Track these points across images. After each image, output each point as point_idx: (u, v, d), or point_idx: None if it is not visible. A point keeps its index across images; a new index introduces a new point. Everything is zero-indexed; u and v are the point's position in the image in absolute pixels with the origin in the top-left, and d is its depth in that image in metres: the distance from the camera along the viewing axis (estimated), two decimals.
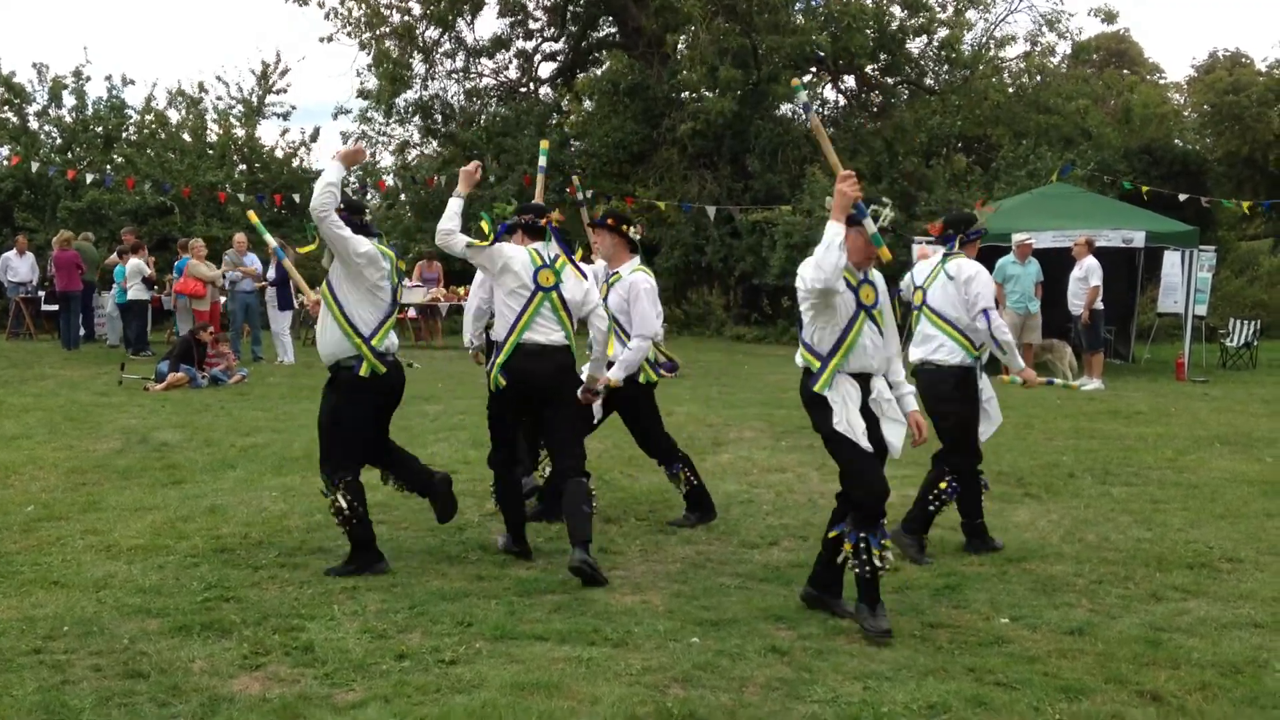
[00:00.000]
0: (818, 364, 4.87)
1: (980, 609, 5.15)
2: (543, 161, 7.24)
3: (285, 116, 26.88)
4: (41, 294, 19.44)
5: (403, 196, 26.46)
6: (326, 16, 27.05)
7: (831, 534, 5.02)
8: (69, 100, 24.89)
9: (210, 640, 4.61)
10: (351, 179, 27.48)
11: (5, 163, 22.93)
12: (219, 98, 26.70)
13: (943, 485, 6.16)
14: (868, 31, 24.32)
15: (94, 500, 7.08)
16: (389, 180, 26.88)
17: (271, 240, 7.76)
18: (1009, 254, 14.60)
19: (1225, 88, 30.28)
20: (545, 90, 28.58)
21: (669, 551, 6.12)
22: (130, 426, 9.89)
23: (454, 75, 27.88)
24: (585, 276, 6.03)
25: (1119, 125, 27.15)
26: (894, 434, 4.92)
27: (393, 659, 4.42)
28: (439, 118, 27.55)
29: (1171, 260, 16.80)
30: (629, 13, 25.74)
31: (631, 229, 6.73)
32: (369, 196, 27.22)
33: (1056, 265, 15.11)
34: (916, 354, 6.23)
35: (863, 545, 4.78)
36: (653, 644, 4.63)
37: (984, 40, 26.59)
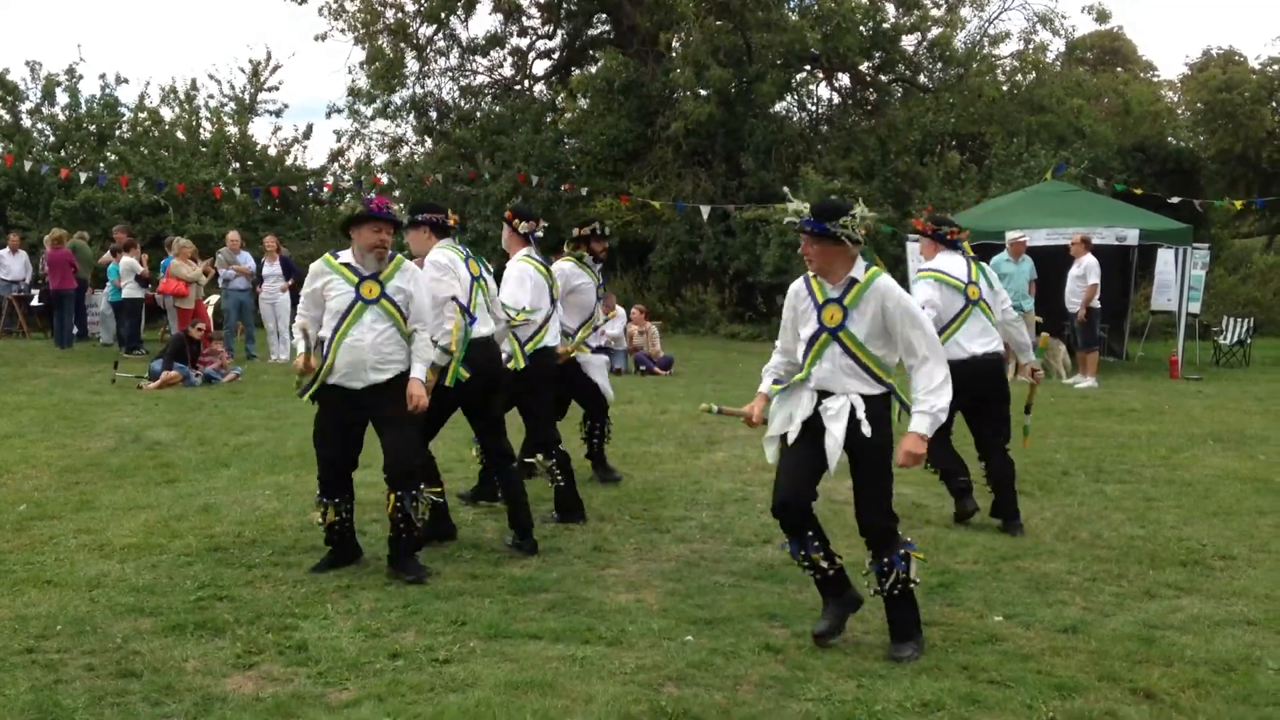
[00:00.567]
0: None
1: (974, 607, 5.15)
2: None
3: (278, 114, 26.88)
4: (35, 292, 19.39)
5: (396, 194, 26.43)
6: (320, 13, 27.08)
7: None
8: (62, 98, 24.84)
9: (203, 639, 4.60)
10: (346, 177, 27.47)
11: None
12: (210, 95, 26.69)
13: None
14: (861, 29, 24.34)
15: (87, 499, 7.06)
16: (383, 178, 26.85)
17: None
18: (1003, 252, 14.61)
19: (1219, 85, 30.33)
20: (540, 88, 28.58)
21: (663, 550, 6.12)
22: (123, 425, 9.87)
23: (448, 73, 27.87)
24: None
25: (1118, 120, 27.18)
26: (833, 449, 4.58)
27: (386, 658, 4.41)
28: (434, 115, 27.53)
29: (1165, 258, 16.84)
30: (623, 10, 25.74)
31: (522, 224, 6.99)
32: (364, 193, 27.20)
33: (1050, 263, 15.13)
34: (981, 345, 6.58)
35: (885, 568, 4.62)
36: (647, 642, 4.63)
37: (978, 38, 26.62)
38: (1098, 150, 23.68)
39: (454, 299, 5.94)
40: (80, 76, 24.85)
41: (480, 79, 28.48)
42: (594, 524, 6.67)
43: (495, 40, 27.80)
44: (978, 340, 6.57)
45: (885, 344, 4.59)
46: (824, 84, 27.24)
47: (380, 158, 28.28)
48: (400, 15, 26.84)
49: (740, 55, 23.64)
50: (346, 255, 5.57)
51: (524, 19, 27.78)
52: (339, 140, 28.00)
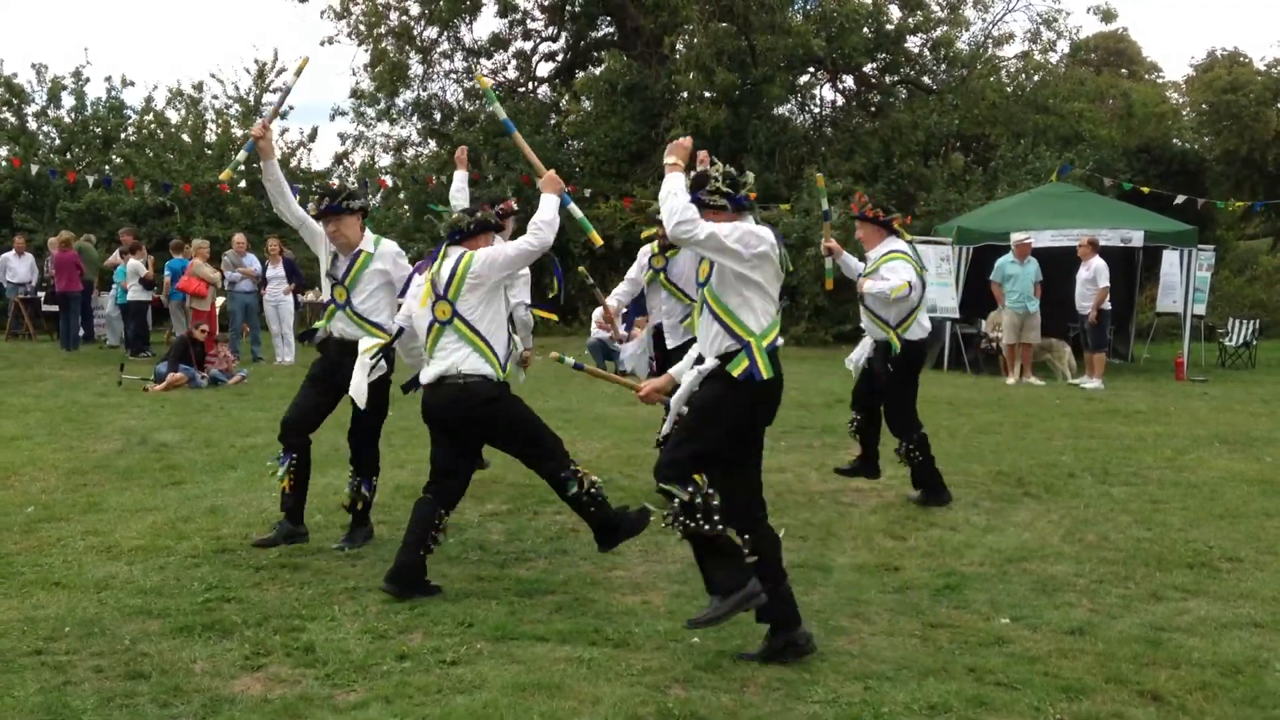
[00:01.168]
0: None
1: (980, 609, 5.15)
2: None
3: (283, 116, 26.86)
4: (41, 295, 19.43)
5: (401, 195, 26.46)
6: (322, 15, 27.15)
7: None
8: (68, 101, 24.90)
9: (211, 641, 4.61)
10: (351, 178, 27.52)
11: (3, 163, 22.91)
12: (215, 96, 26.73)
13: None
14: (865, 31, 24.33)
15: (94, 501, 7.07)
16: (388, 180, 26.90)
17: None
18: (1008, 253, 14.62)
19: (1224, 86, 30.30)
20: (544, 90, 28.60)
21: (669, 552, 6.12)
22: (130, 427, 9.89)
23: (452, 75, 27.91)
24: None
25: (1119, 122, 27.16)
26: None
27: (394, 659, 4.42)
28: (437, 117, 27.57)
29: (1170, 260, 16.83)
30: (627, 13, 25.75)
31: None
32: (369, 195, 27.24)
33: (1055, 265, 15.13)
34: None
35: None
36: (653, 644, 4.64)
37: (982, 39, 26.61)
38: (1103, 152, 23.66)
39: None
40: (86, 79, 24.94)
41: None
42: None
43: (499, 42, 27.84)
44: (925, 319, 7.38)
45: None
46: (828, 86, 27.25)
47: (384, 160, 28.34)
48: (405, 19, 26.88)
49: (744, 58, 23.65)
50: None
51: (528, 21, 27.82)
52: (343, 143, 28.09)
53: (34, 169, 21.71)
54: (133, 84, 34.95)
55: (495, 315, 5.33)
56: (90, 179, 21.94)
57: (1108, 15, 26.02)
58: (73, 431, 9.63)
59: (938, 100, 25.74)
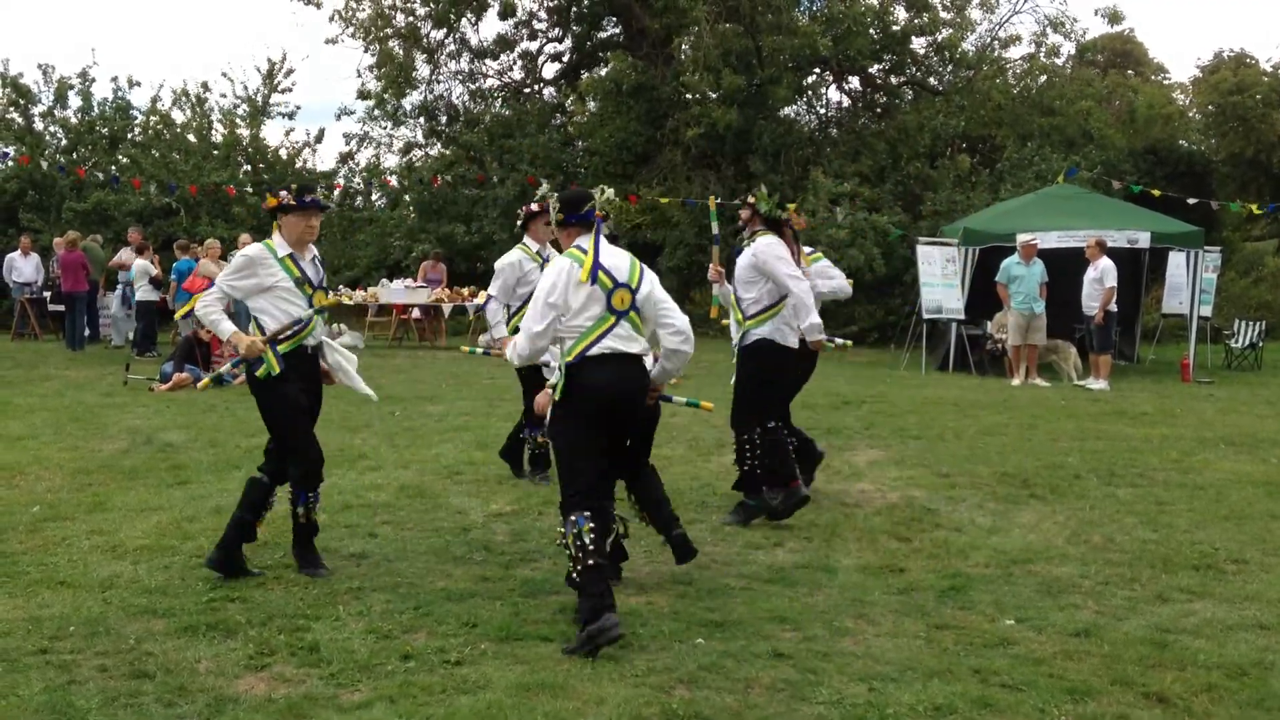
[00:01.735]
0: None
1: (985, 610, 5.14)
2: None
3: (290, 116, 26.92)
4: (47, 295, 19.47)
5: (406, 197, 26.48)
6: (331, 19, 27.17)
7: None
8: (74, 101, 24.93)
9: (216, 640, 4.61)
10: (356, 180, 27.54)
11: (11, 162, 22.95)
12: (223, 95, 26.76)
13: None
14: (871, 32, 24.32)
15: (99, 500, 7.08)
16: (394, 181, 26.93)
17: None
18: (1014, 254, 14.60)
19: (1230, 88, 30.23)
20: (549, 91, 28.60)
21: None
22: (135, 427, 9.91)
23: (458, 76, 27.92)
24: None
25: (1123, 126, 27.12)
26: None
27: (398, 659, 4.42)
28: (443, 119, 27.58)
29: (1176, 261, 16.80)
30: (633, 13, 25.74)
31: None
32: (373, 196, 27.25)
33: (1061, 266, 15.10)
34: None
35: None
36: (658, 645, 4.63)
37: (988, 41, 26.58)
38: (1109, 153, 23.62)
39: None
40: (93, 79, 24.95)
41: (490, 82, 28.52)
42: None
43: (505, 43, 27.84)
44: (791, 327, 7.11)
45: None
46: (833, 87, 27.22)
47: (390, 160, 28.34)
48: (411, 20, 26.90)
49: (750, 59, 23.64)
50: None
51: (534, 22, 27.82)
52: (348, 143, 28.08)
53: (44, 165, 21.72)
54: (139, 84, 34.96)
55: None
56: (100, 175, 21.98)
57: (1114, 18, 25.98)
58: (78, 431, 9.65)
59: (944, 102, 25.70)
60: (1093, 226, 15.42)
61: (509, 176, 24.15)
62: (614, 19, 27.27)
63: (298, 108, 29.65)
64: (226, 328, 5.51)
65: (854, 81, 27.03)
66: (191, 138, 25.79)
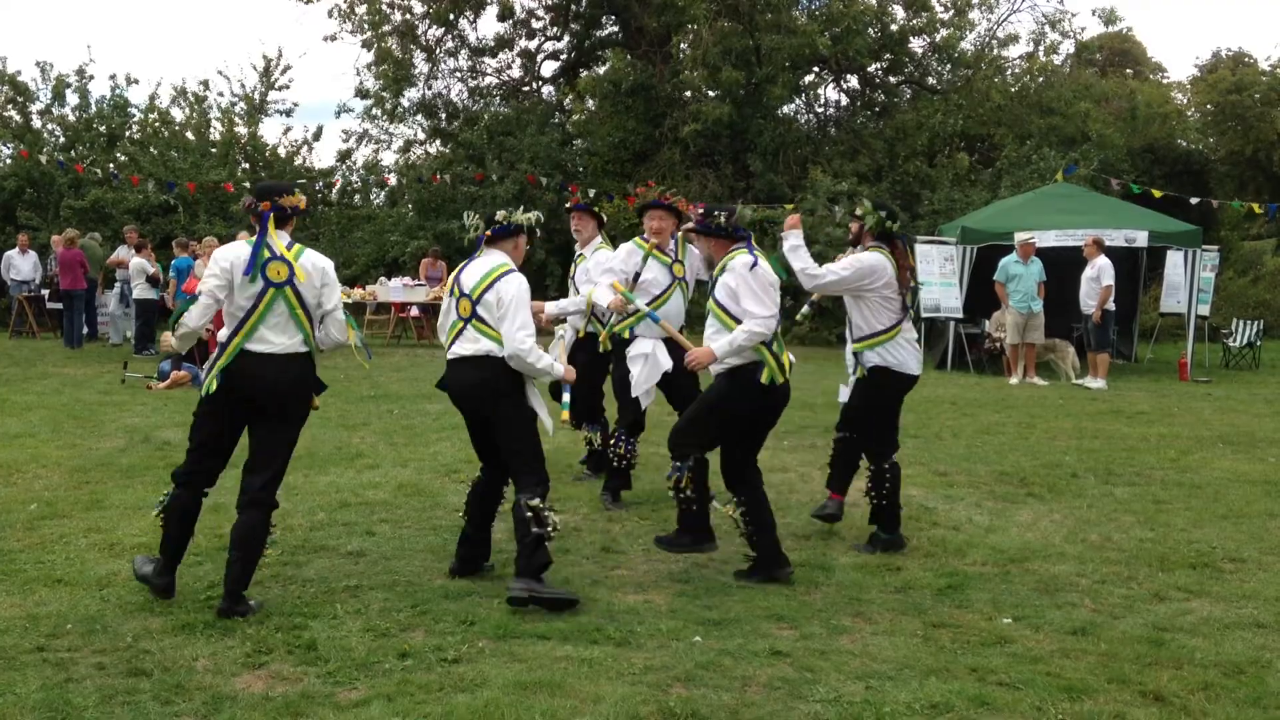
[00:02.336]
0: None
1: (983, 609, 5.15)
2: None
3: (288, 114, 26.92)
4: (45, 292, 19.45)
5: (405, 195, 26.46)
6: (330, 15, 27.14)
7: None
8: (72, 99, 24.94)
9: (213, 638, 4.61)
10: (354, 179, 27.52)
11: (8, 160, 22.93)
12: (220, 93, 26.74)
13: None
14: (870, 31, 24.32)
15: (97, 498, 7.08)
16: (392, 178, 26.91)
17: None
18: (1012, 253, 14.61)
19: (1228, 87, 30.26)
20: (548, 89, 28.61)
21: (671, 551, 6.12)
22: (133, 425, 9.90)
23: (457, 74, 27.91)
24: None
25: (1122, 125, 27.12)
26: None
27: (395, 657, 4.42)
28: (443, 116, 27.57)
29: (1174, 260, 16.80)
30: (631, 12, 25.74)
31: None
32: (372, 194, 27.24)
33: (1059, 265, 15.11)
34: None
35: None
36: (655, 643, 4.63)
37: (986, 40, 26.58)
38: (1107, 152, 23.63)
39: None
40: (90, 77, 24.96)
41: (489, 80, 28.52)
42: (602, 525, 6.68)
43: (504, 42, 27.84)
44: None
45: None
46: (832, 85, 27.23)
47: (389, 158, 28.35)
48: (409, 18, 26.89)
49: (749, 57, 23.64)
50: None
51: (533, 21, 27.81)
52: (347, 140, 28.08)
53: (43, 159, 21.70)
54: (136, 82, 35.06)
55: None
56: (99, 170, 21.95)
57: (1109, 19, 26.01)
58: (76, 429, 9.64)
59: (942, 101, 25.72)
60: (1091, 225, 15.42)
61: (508, 175, 24.15)
62: (613, 17, 27.28)
63: (295, 105, 29.66)
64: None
65: (853, 80, 27.05)
66: (190, 135, 25.77)
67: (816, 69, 26.00)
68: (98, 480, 7.65)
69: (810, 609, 5.12)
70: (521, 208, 5.63)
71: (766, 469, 8.37)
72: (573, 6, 27.28)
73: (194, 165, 24.00)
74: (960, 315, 16.03)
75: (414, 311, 19.87)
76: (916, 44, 26.01)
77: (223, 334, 5.05)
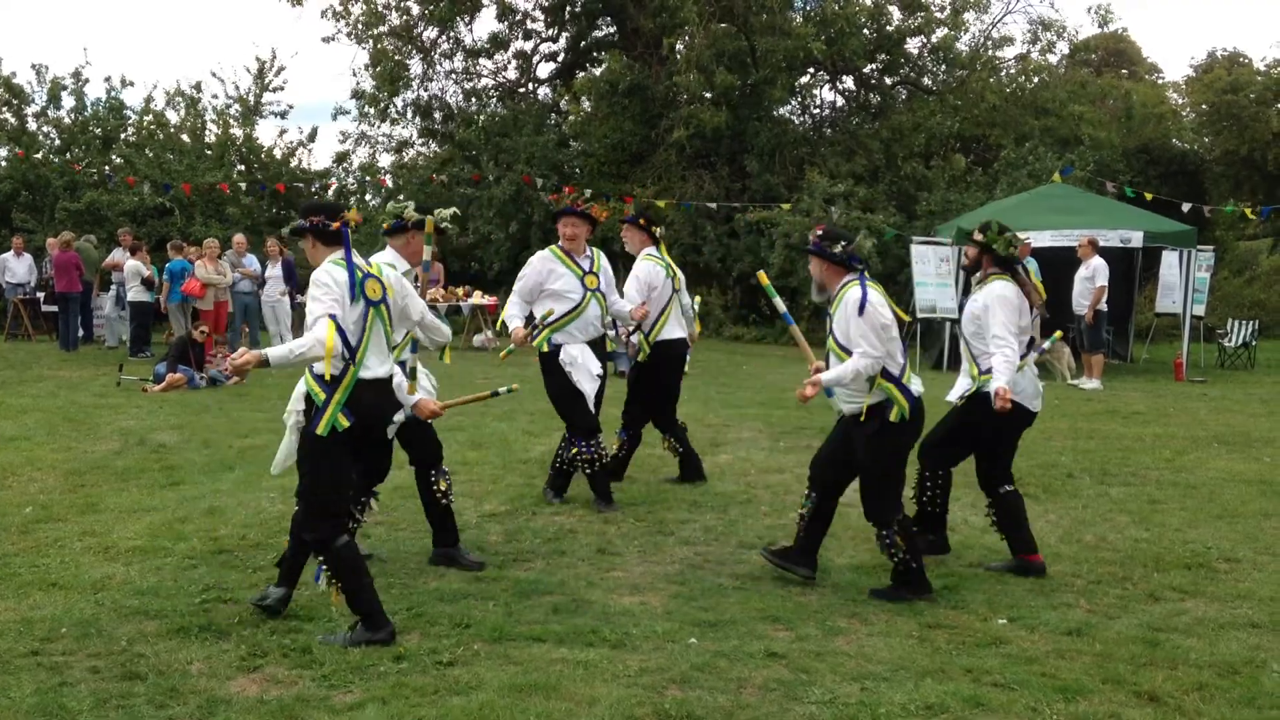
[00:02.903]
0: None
1: (978, 610, 5.15)
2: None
3: (283, 115, 26.86)
4: (40, 295, 19.42)
5: (401, 196, 26.41)
6: (323, 15, 27.10)
7: None
8: (68, 101, 24.90)
9: (208, 642, 4.61)
10: (350, 180, 27.47)
11: (3, 163, 22.89)
12: (214, 95, 26.69)
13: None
14: (865, 33, 24.33)
15: (92, 502, 7.07)
16: (388, 180, 26.87)
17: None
18: None
19: (1223, 87, 30.25)
20: (544, 91, 28.58)
21: (667, 553, 6.13)
22: (128, 428, 9.89)
23: (453, 75, 27.87)
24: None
25: (1118, 125, 27.13)
26: None
27: (390, 660, 4.42)
28: (438, 117, 27.54)
29: (1169, 260, 16.82)
30: (627, 13, 25.72)
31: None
32: (368, 195, 27.20)
33: (1054, 265, 15.11)
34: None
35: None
36: (651, 645, 4.63)
37: (981, 41, 26.59)
38: (1102, 153, 23.65)
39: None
40: (86, 79, 24.93)
41: (485, 81, 28.49)
42: (598, 526, 6.67)
43: (499, 43, 27.80)
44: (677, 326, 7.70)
45: None
46: (828, 87, 27.23)
47: (385, 160, 28.28)
48: (405, 19, 26.85)
49: (745, 59, 23.65)
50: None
51: (528, 22, 27.77)
52: (343, 142, 28.04)
53: (39, 155, 21.63)
54: (132, 84, 34.88)
55: None
56: (94, 171, 21.91)
57: (1104, 19, 26.03)
58: (71, 432, 9.63)
59: (938, 102, 25.72)
60: (1086, 225, 15.43)
61: (504, 176, 24.12)
62: (608, 18, 27.25)
63: (290, 107, 29.60)
64: None
65: (848, 81, 27.04)
66: (185, 137, 25.74)
67: (812, 70, 25.99)
68: (93, 483, 7.64)
69: (806, 610, 5.12)
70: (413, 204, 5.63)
71: (763, 469, 8.42)
72: (568, 7, 27.25)
73: (189, 167, 23.96)
74: (956, 315, 16.02)
75: None
76: (912, 44, 26.01)
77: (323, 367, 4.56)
